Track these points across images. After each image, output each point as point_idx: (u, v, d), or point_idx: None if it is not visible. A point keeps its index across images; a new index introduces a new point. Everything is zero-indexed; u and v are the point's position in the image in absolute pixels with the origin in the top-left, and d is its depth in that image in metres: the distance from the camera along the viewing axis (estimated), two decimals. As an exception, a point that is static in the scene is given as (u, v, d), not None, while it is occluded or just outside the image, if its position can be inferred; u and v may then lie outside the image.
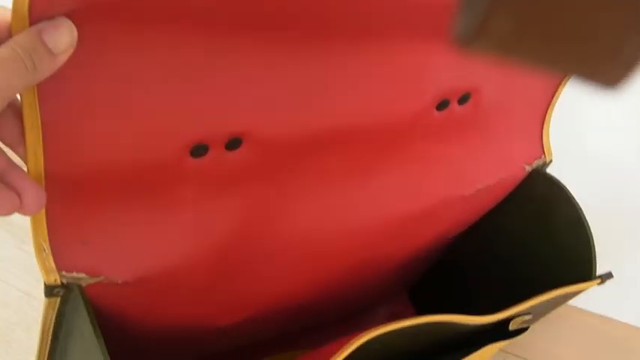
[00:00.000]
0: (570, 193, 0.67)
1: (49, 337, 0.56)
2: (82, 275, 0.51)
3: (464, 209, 0.68)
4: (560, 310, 0.90)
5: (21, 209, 0.45)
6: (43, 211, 0.48)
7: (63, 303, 0.52)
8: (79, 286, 0.51)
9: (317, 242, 0.62)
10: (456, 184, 0.65)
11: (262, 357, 0.77)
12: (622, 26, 0.20)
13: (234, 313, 0.64)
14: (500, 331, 0.69)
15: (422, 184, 0.64)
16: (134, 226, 0.52)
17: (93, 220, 0.50)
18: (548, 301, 0.65)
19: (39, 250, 0.49)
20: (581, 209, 0.67)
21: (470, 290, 0.80)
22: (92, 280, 0.51)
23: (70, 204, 0.49)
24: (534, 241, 0.71)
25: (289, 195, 0.58)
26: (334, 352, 0.56)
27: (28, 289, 0.91)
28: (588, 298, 0.78)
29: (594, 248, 0.66)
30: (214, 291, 0.60)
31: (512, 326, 0.68)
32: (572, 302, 0.87)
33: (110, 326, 0.53)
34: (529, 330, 0.70)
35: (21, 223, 1.02)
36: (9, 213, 0.45)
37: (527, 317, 0.69)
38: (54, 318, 0.54)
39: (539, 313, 0.69)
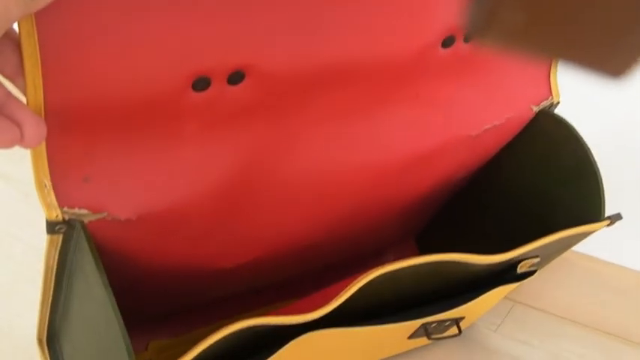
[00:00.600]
0: (578, 133, 0.66)
1: (53, 276, 0.55)
2: (84, 211, 0.50)
3: (471, 150, 0.67)
4: (567, 257, 0.90)
5: (21, 141, 0.45)
6: (44, 144, 0.47)
7: (65, 241, 0.52)
8: (82, 223, 0.50)
9: (322, 181, 0.61)
10: (462, 124, 0.65)
11: (266, 304, 0.77)
12: (628, 16, 0.20)
13: (238, 254, 0.64)
14: (508, 275, 0.68)
15: (428, 123, 0.63)
16: (136, 161, 0.51)
17: (94, 155, 0.50)
18: (556, 241, 0.64)
19: (40, 185, 0.48)
20: (589, 149, 0.66)
21: (478, 236, 0.79)
22: (94, 217, 0.51)
23: (70, 138, 0.48)
24: (543, 183, 0.70)
25: (293, 132, 0.57)
26: (341, 291, 0.56)
27: (34, 242, 0.91)
28: (596, 243, 0.77)
29: (603, 188, 0.65)
30: (218, 230, 0.59)
31: (520, 269, 0.68)
32: (579, 248, 0.86)
33: (112, 266, 0.53)
34: (536, 278, 0.70)
35: (24, 178, 1.01)
36: (9, 145, 0.44)
37: (535, 260, 0.68)
38: (57, 256, 0.53)
39: (547, 255, 0.68)
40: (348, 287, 0.54)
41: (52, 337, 0.69)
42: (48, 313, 0.63)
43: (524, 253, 0.61)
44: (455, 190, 0.77)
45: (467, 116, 0.65)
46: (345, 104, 0.58)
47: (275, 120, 0.55)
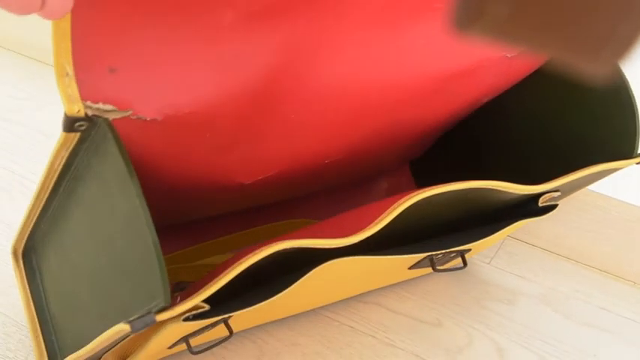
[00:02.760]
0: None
1: (54, 179, 0.49)
2: (110, 107, 0.43)
3: (504, 72, 0.63)
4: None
5: (42, 9, 0.37)
6: (68, 22, 0.40)
7: (80, 141, 0.45)
8: (106, 120, 0.43)
9: (351, 95, 0.56)
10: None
11: (266, 222, 0.71)
12: (613, 12, 0.20)
13: (258, 169, 0.59)
14: (529, 208, 0.64)
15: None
16: (167, 53, 0.44)
17: (124, 41, 0.43)
18: (588, 175, 0.60)
19: (61, 73, 0.41)
20: (629, 82, 0.62)
21: (482, 167, 0.75)
22: (119, 115, 0.44)
23: (99, 17, 0.41)
24: (571, 113, 0.66)
25: (328, 36, 0.51)
26: (368, 213, 0.51)
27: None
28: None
29: (639, 123, 0.62)
30: (242, 140, 0.53)
31: (541, 202, 0.64)
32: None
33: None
34: None
35: None
36: (26, 10, 0.36)
37: (555, 194, 0.64)
38: (65, 158, 0.46)
39: (568, 190, 0.65)
40: (390, 210, 0.50)
41: (29, 248, 0.62)
42: (34, 221, 0.56)
43: (561, 185, 0.58)
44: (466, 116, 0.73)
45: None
46: (382, 11, 0.52)
47: (313, 19, 0.49)
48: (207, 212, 0.66)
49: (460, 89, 0.62)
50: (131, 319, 0.41)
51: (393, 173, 0.81)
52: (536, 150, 0.70)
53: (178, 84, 0.46)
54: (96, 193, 0.47)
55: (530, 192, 0.57)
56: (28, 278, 0.63)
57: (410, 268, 0.70)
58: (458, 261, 0.70)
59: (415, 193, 0.51)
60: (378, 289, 0.75)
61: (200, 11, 0.44)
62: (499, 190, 0.56)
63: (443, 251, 0.65)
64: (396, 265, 0.67)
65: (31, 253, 0.63)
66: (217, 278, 0.45)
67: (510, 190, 0.56)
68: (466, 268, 0.73)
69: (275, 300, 0.54)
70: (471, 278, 0.78)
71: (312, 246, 0.47)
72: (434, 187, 0.52)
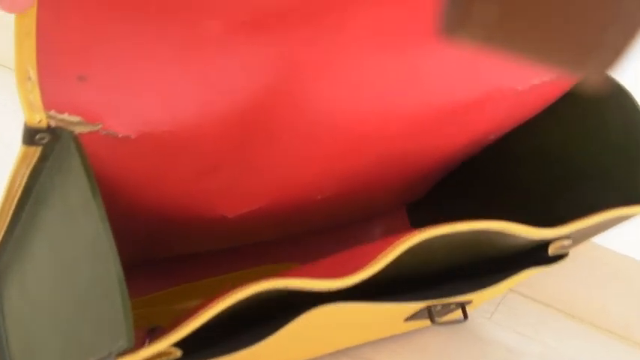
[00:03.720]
0: (637, 101, 0.58)
1: (14, 203, 0.43)
2: (77, 119, 0.39)
3: (514, 107, 0.58)
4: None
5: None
6: (33, 17, 0.35)
7: (43, 157, 0.40)
8: (71, 134, 0.38)
9: (350, 122, 0.51)
10: (509, 74, 0.55)
11: (251, 266, 0.66)
12: (602, 18, 0.20)
13: (242, 200, 0.53)
14: (538, 256, 0.59)
15: (474, 70, 0.53)
16: (147, 62, 0.40)
17: (96, 47, 0.38)
18: (604, 222, 0.56)
19: (22, 77, 0.36)
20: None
21: (484, 207, 0.70)
22: (87, 128, 0.39)
23: (69, 17, 0.36)
24: (583, 153, 0.61)
25: (328, 58, 0.47)
26: (357, 256, 0.46)
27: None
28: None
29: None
30: (227, 165, 0.48)
31: (552, 251, 0.59)
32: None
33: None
34: None
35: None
36: None
37: (566, 242, 0.59)
38: (26, 176, 0.41)
39: (583, 236, 0.60)
40: (386, 253, 0.45)
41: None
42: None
43: (576, 231, 0.53)
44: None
45: (515, 66, 0.55)
46: (388, 32, 0.48)
47: (313, 32, 0.45)
48: (189, 248, 0.60)
49: (466, 123, 0.57)
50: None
51: (388, 216, 0.76)
52: (544, 190, 0.65)
53: (156, 99, 0.41)
54: (58, 218, 0.41)
55: (541, 237, 0.52)
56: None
57: (406, 320, 0.65)
58: (458, 313, 0.65)
59: (414, 234, 0.46)
60: (371, 342, 0.69)
61: (183, 20, 0.40)
62: (505, 234, 0.51)
63: (442, 301, 0.59)
64: (391, 315, 0.62)
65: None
66: (190, 319, 0.40)
67: (518, 234, 0.51)
68: (465, 323, 0.68)
69: (255, 349, 0.49)
70: (469, 334, 0.73)
71: (297, 287, 0.41)
72: (434, 227, 0.47)
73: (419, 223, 0.78)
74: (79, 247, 0.39)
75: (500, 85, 0.56)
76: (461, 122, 0.57)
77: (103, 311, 0.37)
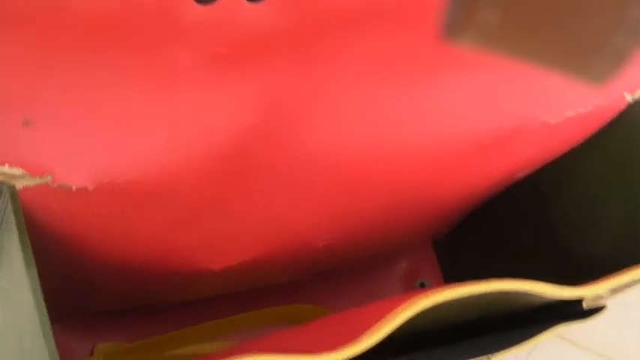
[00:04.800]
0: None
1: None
2: (18, 171, 0.33)
3: (545, 142, 0.52)
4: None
5: None
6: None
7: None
8: (11, 189, 0.33)
9: (349, 164, 0.45)
10: (540, 106, 0.49)
11: (240, 311, 0.60)
12: (606, 22, 0.20)
13: (229, 252, 0.48)
14: (571, 310, 0.53)
15: (498, 100, 0.47)
16: (104, 103, 0.35)
17: (45, 85, 0.33)
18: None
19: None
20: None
21: (516, 249, 0.64)
22: (33, 182, 0.34)
23: (11, 50, 0.31)
24: (624, 192, 0.55)
25: (322, 85, 0.41)
26: (372, 320, 0.40)
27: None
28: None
29: None
30: (208, 215, 0.43)
31: (587, 305, 0.52)
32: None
33: (53, 251, 0.36)
34: None
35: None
36: None
37: (604, 294, 0.53)
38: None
39: (622, 288, 0.53)
40: (389, 319, 0.39)
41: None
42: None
43: (611, 288, 0.46)
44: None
45: (547, 97, 0.49)
46: (394, 62, 0.42)
47: (301, 63, 0.40)
48: (179, 298, 0.55)
49: (490, 162, 0.51)
50: None
51: (412, 251, 0.70)
52: (579, 235, 0.59)
53: (117, 144, 0.36)
54: (8, 279, 0.36)
55: (569, 297, 0.46)
56: None
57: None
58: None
59: (420, 297, 0.40)
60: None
61: (146, 49, 0.34)
62: (529, 294, 0.45)
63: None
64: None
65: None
66: None
67: (543, 294, 0.45)
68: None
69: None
70: (498, 383, 0.66)
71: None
72: (443, 288, 0.41)
73: (446, 257, 0.72)
74: (17, 320, 0.34)
75: (530, 118, 0.50)
76: (483, 161, 0.51)
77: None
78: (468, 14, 0.20)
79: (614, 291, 0.53)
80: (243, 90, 0.38)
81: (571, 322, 0.53)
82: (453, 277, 0.73)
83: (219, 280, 0.51)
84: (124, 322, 0.57)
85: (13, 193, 0.33)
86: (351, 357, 0.39)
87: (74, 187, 0.36)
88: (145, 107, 0.36)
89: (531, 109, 0.50)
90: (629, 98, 0.54)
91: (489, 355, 0.57)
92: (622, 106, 0.54)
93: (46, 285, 0.33)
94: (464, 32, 0.20)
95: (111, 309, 0.55)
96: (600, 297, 0.54)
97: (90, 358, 0.57)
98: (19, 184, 0.34)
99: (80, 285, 0.43)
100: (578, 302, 0.53)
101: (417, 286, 0.72)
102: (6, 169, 0.33)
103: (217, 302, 0.58)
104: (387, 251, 0.64)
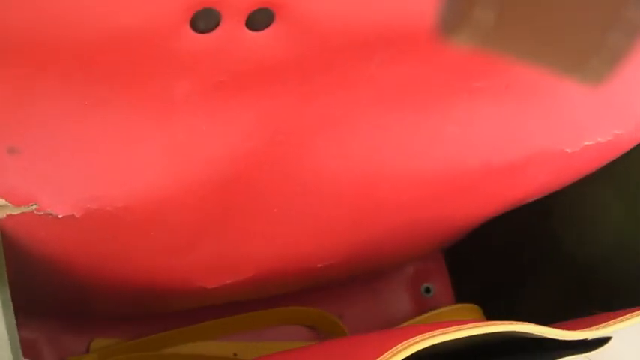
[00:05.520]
0: None
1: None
2: (2, 202, 0.32)
3: (560, 171, 0.50)
4: None
5: None
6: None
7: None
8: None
9: (352, 189, 0.44)
10: (558, 135, 0.48)
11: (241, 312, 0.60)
12: (602, 21, 0.19)
13: (226, 272, 0.47)
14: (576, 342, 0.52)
15: (513, 130, 0.46)
16: (95, 130, 0.33)
17: (32, 112, 0.32)
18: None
19: None
20: None
21: (514, 255, 0.63)
22: (17, 211, 0.33)
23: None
24: (611, 202, 0.54)
25: (326, 115, 0.39)
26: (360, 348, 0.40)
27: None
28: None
29: None
30: (199, 242, 0.42)
31: (590, 334, 0.51)
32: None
33: (41, 276, 0.35)
34: None
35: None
36: None
37: (610, 325, 0.52)
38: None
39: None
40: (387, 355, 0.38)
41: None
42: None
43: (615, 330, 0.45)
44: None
45: (566, 126, 0.47)
46: (403, 90, 0.40)
47: (307, 91, 0.38)
48: (171, 310, 0.54)
49: (501, 189, 0.49)
50: None
51: (421, 259, 0.69)
52: (581, 242, 0.58)
53: (107, 174, 0.35)
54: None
55: (573, 338, 0.45)
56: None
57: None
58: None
59: (417, 339, 0.39)
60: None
61: (140, 79, 0.33)
62: (530, 335, 0.43)
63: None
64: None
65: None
66: None
67: (546, 336, 0.43)
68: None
69: None
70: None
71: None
72: (441, 330, 0.39)
73: (454, 262, 0.71)
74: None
75: (546, 147, 0.48)
76: (495, 187, 0.49)
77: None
78: (464, 13, 0.20)
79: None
80: (245, 116, 0.37)
81: (578, 353, 0.52)
82: (461, 281, 0.72)
83: (215, 295, 0.50)
84: (123, 319, 0.57)
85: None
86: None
87: (61, 215, 0.35)
88: (138, 137, 0.34)
89: (548, 138, 0.48)
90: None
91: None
92: (642, 135, 0.52)
93: (40, 293, 0.32)
94: (459, 31, 0.20)
95: (108, 316, 0.54)
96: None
97: (86, 356, 0.57)
98: (2, 214, 0.33)
99: (75, 302, 0.42)
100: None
101: (422, 291, 0.71)
102: (-11, 198, 0.32)
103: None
104: (392, 265, 0.63)
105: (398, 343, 0.39)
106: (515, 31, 0.20)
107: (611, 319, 0.47)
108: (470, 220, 0.53)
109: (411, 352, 0.39)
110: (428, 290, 0.70)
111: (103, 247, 0.39)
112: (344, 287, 0.65)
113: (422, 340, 0.39)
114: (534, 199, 0.54)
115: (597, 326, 0.46)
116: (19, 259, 0.36)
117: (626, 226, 0.56)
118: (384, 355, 0.39)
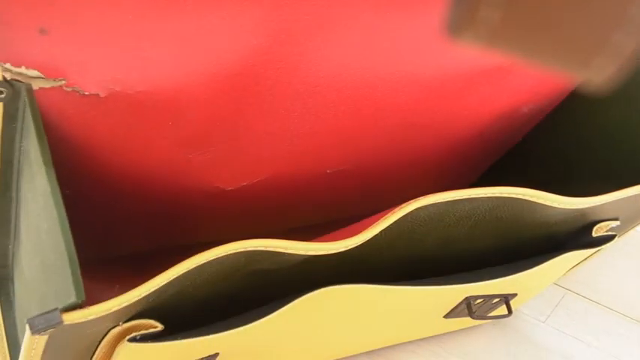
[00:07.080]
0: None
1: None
2: (34, 72, 0.36)
3: (543, 78, 0.53)
4: (634, 242, 0.75)
5: None
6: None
7: (9, 118, 0.38)
8: (28, 89, 0.36)
9: (354, 89, 0.47)
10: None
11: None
12: (608, 19, 0.20)
13: (242, 170, 0.49)
14: (581, 239, 0.54)
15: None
16: (116, 16, 0.37)
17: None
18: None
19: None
20: None
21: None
22: (48, 84, 0.37)
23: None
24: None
25: (331, 18, 0.43)
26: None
27: None
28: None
29: None
30: (215, 137, 0.45)
31: (596, 232, 0.54)
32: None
33: (68, 162, 0.38)
34: (595, 265, 0.59)
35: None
36: None
37: (613, 223, 0.54)
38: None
39: (631, 216, 0.54)
40: (387, 216, 0.40)
41: (5, 278, 0.55)
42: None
43: (615, 201, 0.47)
44: (510, 142, 0.63)
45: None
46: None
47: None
48: (178, 235, 0.56)
49: (491, 91, 0.52)
50: (31, 316, 0.33)
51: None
52: (606, 172, 0.60)
53: (128, 56, 0.39)
54: (28, 178, 0.39)
55: (574, 206, 0.47)
56: (4, 312, 0.56)
57: (446, 317, 0.60)
58: (503, 310, 0.60)
59: (419, 198, 0.42)
60: (411, 342, 0.64)
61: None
62: (531, 202, 0.46)
63: (479, 291, 0.55)
64: (427, 309, 0.57)
65: (8, 284, 0.56)
66: (162, 274, 0.36)
67: (545, 203, 0.46)
68: (518, 326, 0.63)
69: (260, 335, 0.45)
70: (522, 338, 0.67)
71: (278, 249, 0.38)
72: (445, 192, 0.42)
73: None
74: (39, 208, 0.37)
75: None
76: (485, 90, 0.52)
77: (59, 271, 0.35)
78: (471, 12, 0.20)
79: (624, 221, 0.54)
80: (249, 12, 0.40)
81: (582, 249, 0.54)
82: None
83: (231, 205, 0.52)
84: (145, 266, 0.59)
85: (30, 93, 0.36)
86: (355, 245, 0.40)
87: (87, 92, 0.39)
88: (155, 24, 0.38)
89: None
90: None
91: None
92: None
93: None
94: (466, 30, 0.21)
95: (131, 249, 0.56)
96: (611, 227, 0.55)
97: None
98: (35, 85, 0.37)
99: (96, 209, 0.45)
100: (588, 232, 0.54)
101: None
102: (23, 70, 0.36)
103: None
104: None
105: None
106: (520, 30, 0.21)
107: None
108: (468, 130, 0.55)
109: (410, 210, 0.41)
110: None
111: (125, 133, 0.42)
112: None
113: (423, 199, 0.42)
114: (528, 109, 0.57)
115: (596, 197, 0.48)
116: (48, 138, 0.38)
117: None
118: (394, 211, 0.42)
